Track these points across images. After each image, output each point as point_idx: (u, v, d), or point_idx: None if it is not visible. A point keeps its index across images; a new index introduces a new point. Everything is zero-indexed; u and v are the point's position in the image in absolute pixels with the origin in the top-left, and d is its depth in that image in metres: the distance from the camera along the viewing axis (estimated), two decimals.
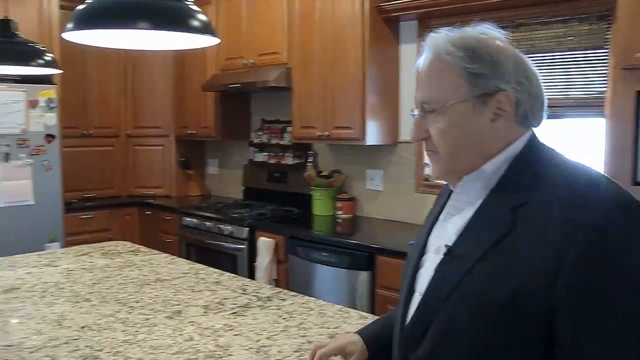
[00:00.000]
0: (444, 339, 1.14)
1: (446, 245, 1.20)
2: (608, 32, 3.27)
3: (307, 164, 4.94)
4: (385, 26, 4.18)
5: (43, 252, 3.54)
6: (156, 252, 3.37)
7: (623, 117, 2.78)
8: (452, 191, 1.28)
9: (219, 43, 2.21)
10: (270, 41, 4.79)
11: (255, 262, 4.39)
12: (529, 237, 1.06)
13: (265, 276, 4.23)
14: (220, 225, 4.74)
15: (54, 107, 4.97)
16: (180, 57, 5.73)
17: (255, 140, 5.47)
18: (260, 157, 5.43)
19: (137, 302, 2.42)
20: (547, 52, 3.51)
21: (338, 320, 2.19)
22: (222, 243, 4.69)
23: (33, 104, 4.86)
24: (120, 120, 6.02)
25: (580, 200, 1.05)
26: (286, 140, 5.12)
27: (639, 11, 2.73)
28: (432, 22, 3.97)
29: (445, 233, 1.23)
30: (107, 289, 2.61)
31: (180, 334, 2.05)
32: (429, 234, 1.32)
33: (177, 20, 1.98)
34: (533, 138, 1.21)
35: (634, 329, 0.99)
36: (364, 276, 3.65)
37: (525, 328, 1.04)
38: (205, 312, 2.28)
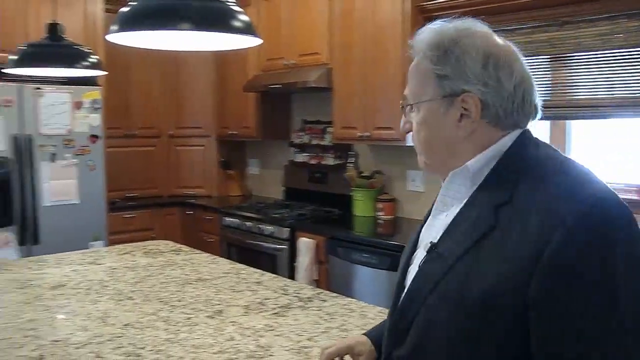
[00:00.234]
0: (424, 336, 1.14)
1: (431, 242, 1.20)
2: None
3: (348, 164, 4.93)
4: None
5: (87, 250, 3.61)
6: (197, 251, 3.39)
7: None
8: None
9: (260, 44, 2.21)
10: (310, 42, 4.79)
11: (295, 262, 4.40)
12: (510, 236, 1.05)
13: (306, 277, 4.23)
14: (261, 226, 4.76)
15: (98, 108, 5.06)
16: (222, 58, 5.77)
17: (296, 141, 5.48)
18: (301, 157, 5.44)
19: (179, 301, 2.44)
20: (592, 51, 3.43)
21: (379, 322, 2.17)
22: (263, 243, 4.71)
23: (78, 105, 4.95)
24: (162, 120, 6.09)
25: (558, 201, 1.03)
26: (327, 140, 5.11)
27: None
28: None
29: (434, 229, 1.24)
30: (150, 287, 2.64)
31: (222, 334, 2.06)
32: (422, 229, 1.33)
33: (219, 21, 1.99)
34: (523, 137, 1.18)
35: (605, 331, 0.97)
36: None
37: (501, 326, 1.03)
38: (246, 312, 2.29)
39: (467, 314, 1.06)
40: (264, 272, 2.89)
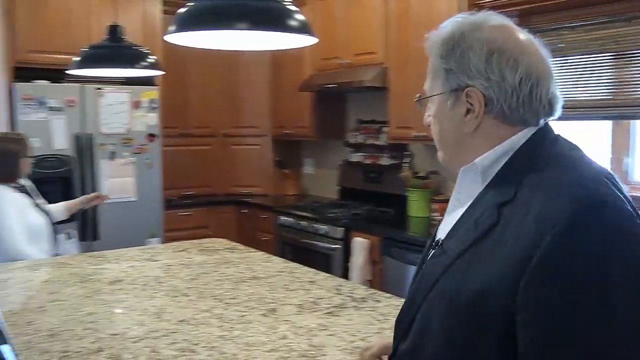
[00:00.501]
0: (423, 332, 1.14)
1: (439, 239, 1.21)
2: None
3: (403, 164, 4.89)
4: None
5: (144, 247, 3.68)
6: (252, 249, 3.42)
7: None
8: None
9: (316, 43, 2.21)
10: (366, 41, 4.77)
11: (349, 262, 4.39)
12: (507, 236, 1.02)
13: (359, 277, 4.22)
14: (315, 225, 4.77)
15: (155, 108, 5.16)
16: (277, 58, 5.80)
17: (351, 140, 5.47)
18: (356, 157, 5.42)
19: (233, 298, 2.46)
20: None
21: None
22: (317, 242, 4.72)
23: (136, 105, 5.06)
24: (218, 120, 6.16)
25: (553, 202, 0.99)
26: (382, 140, 5.09)
27: None
28: (532, 19, 3.82)
29: (447, 226, 1.23)
30: (204, 284, 2.67)
31: (275, 332, 2.06)
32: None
33: (276, 20, 2.00)
34: (539, 134, 1.14)
35: (589, 336, 0.93)
36: None
37: (490, 328, 1.01)
38: (299, 311, 2.29)
39: (459, 313, 1.05)
40: (318, 272, 2.89)
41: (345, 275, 4.34)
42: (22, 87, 4.61)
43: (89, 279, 2.79)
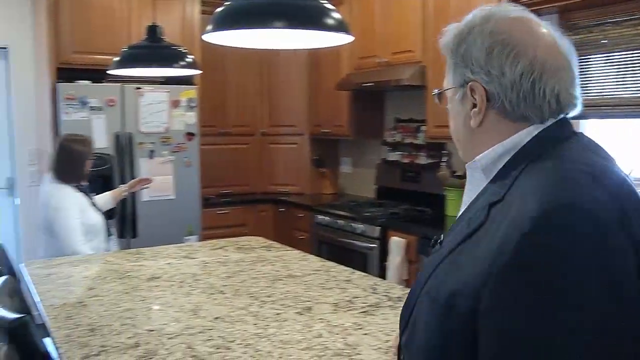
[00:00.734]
0: (413, 329, 1.14)
1: (439, 237, 1.21)
2: None
3: (441, 163, 4.85)
4: None
5: (182, 244, 3.72)
6: (289, 248, 3.43)
7: None
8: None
9: (353, 42, 2.21)
10: (404, 39, 4.74)
11: (386, 261, 4.37)
12: (487, 236, 0.99)
13: (396, 276, 4.20)
14: (352, 224, 4.76)
15: (194, 107, 5.20)
16: (315, 57, 5.81)
17: (389, 139, 5.44)
18: (394, 156, 5.39)
19: (269, 296, 2.47)
20: None
21: None
22: (354, 241, 4.70)
23: (175, 104, 5.11)
24: (256, 119, 6.19)
25: (526, 205, 0.94)
26: (420, 139, 5.05)
27: None
28: (573, 15, 3.76)
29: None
30: (241, 282, 2.68)
31: (310, 330, 2.07)
32: None
33: (313, 19, 2.00)
34: (546, 133, 1.09)
35: (551, 342, 0.88)
36: None
37: (459, 328, 0.99)
38: (335, 310, 2.29)
39: (436, 312, 1.04)
40: (354, 271, 2.89)
41: (381, 274, 4.33)
42: (64, 87, 4.70)
43: (128, 275, 2.83)
